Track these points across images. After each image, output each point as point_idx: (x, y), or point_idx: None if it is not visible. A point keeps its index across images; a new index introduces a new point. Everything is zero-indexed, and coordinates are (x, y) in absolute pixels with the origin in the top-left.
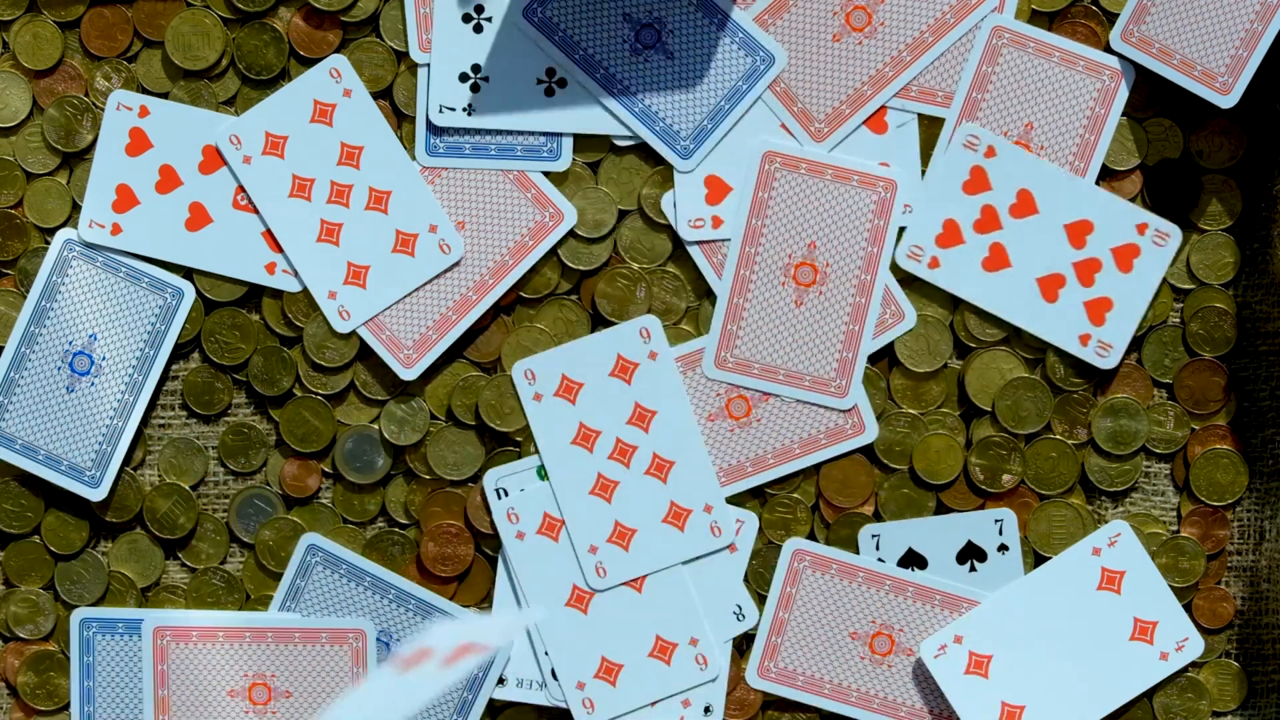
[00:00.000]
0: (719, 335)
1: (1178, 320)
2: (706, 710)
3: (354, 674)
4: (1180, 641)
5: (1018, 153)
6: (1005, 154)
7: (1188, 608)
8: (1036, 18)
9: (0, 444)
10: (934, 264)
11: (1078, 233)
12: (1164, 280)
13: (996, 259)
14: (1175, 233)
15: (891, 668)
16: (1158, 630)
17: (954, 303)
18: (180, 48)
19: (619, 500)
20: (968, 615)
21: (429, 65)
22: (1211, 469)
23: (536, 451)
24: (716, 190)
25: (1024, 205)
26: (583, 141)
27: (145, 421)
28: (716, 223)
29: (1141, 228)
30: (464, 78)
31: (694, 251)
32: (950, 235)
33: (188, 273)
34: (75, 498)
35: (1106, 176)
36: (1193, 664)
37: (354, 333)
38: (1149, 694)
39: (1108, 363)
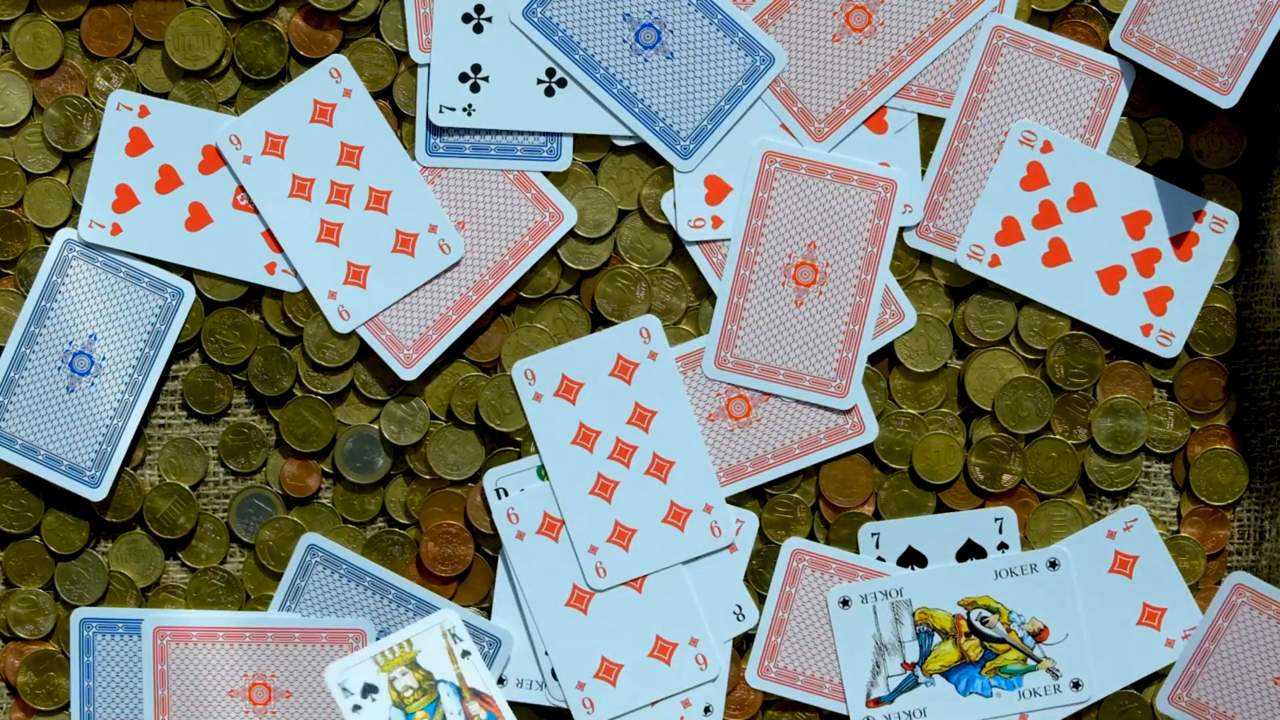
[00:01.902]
0: (719, 335)
1: None
2: (706, 710)
3: None
4: (1187, 630)
5: (1074, 146)
6: (1062, 148)
7: None
8: (1036, 18)
9: (0, 444)
10: (995, 262)
11: (1136, 223)
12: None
13: (1057, 254)
14: (1232, 218)
15: None
16: (1166, 617)
17: (954, 302)
18: (180, 48)
19: (619, 500)
20: None
21: (429, 65)
22: (1211, 469)
23: (536, 451)
24: (716, 190)
25: (1082, 199)
26: (583, 141)
27: (145, 421)
28: (716, 223)
29: (1199, 215)
30: (464, 78)
31: (694, 251)
32: (1010, 233)
33: (188, 273)
34: (75, 498)
35: None
36: None
37: (354, 333)
38: (1149, 690)
39: (1170, 351)
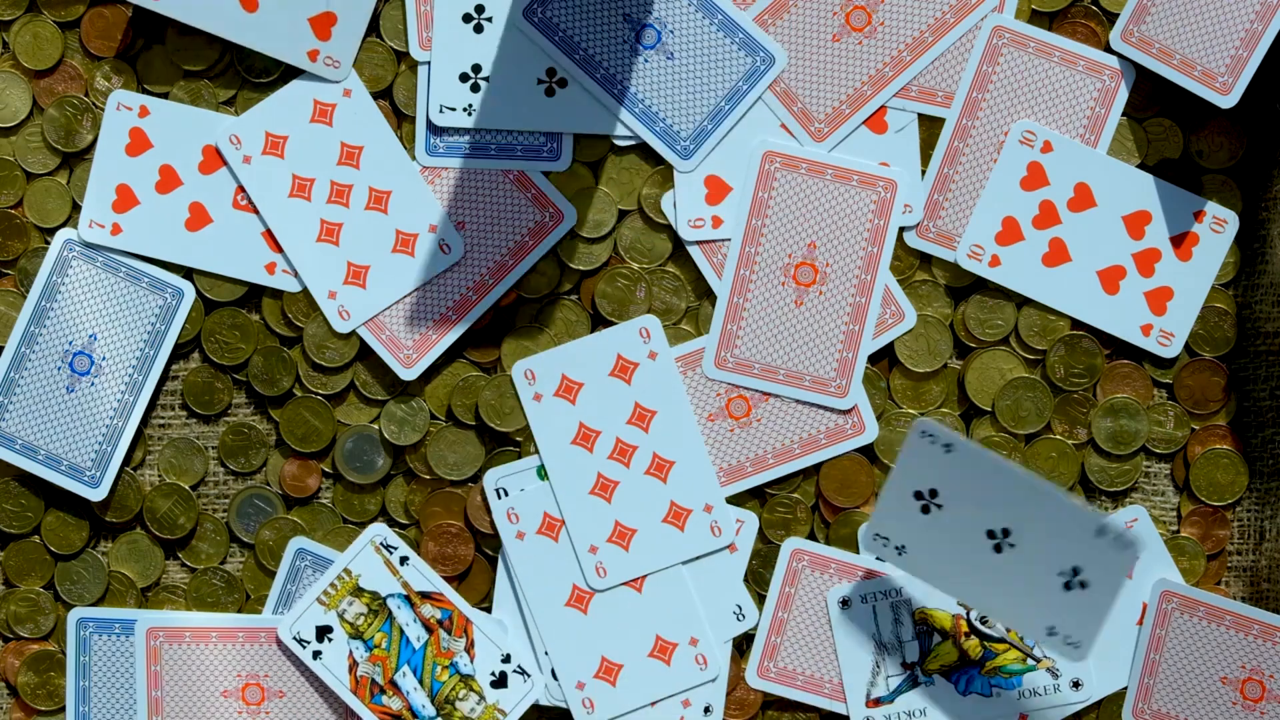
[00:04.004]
0: (719, 335)
1: None
2: (706, 710)
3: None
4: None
5: (1075, 146)
6: (1062, 148)
7: None
8: (1036, 18)
9: (0, 444)
10: (995, 262)
11: (1136, 223)
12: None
13: (1057, 254)
14: (1232, 218)
15: None
16: None
17: (954, 302)
18: (180, 48)
19: (619, 500)
20: None
21: (429, 64)
22: (1211, 469)
23: (536, 451)
24: (716, 190)
25: (1082, 199)
26: (583, 141)
27: (145, 421)
28: (716, 223)
29: (1199, 215)
30: (464, 78)
31: (694, 251)
32: (1010, 233)
33: (188, 273)
34: (75, 498)
35: None
36: None
37: (354, 333)
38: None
39: (1170, 351)
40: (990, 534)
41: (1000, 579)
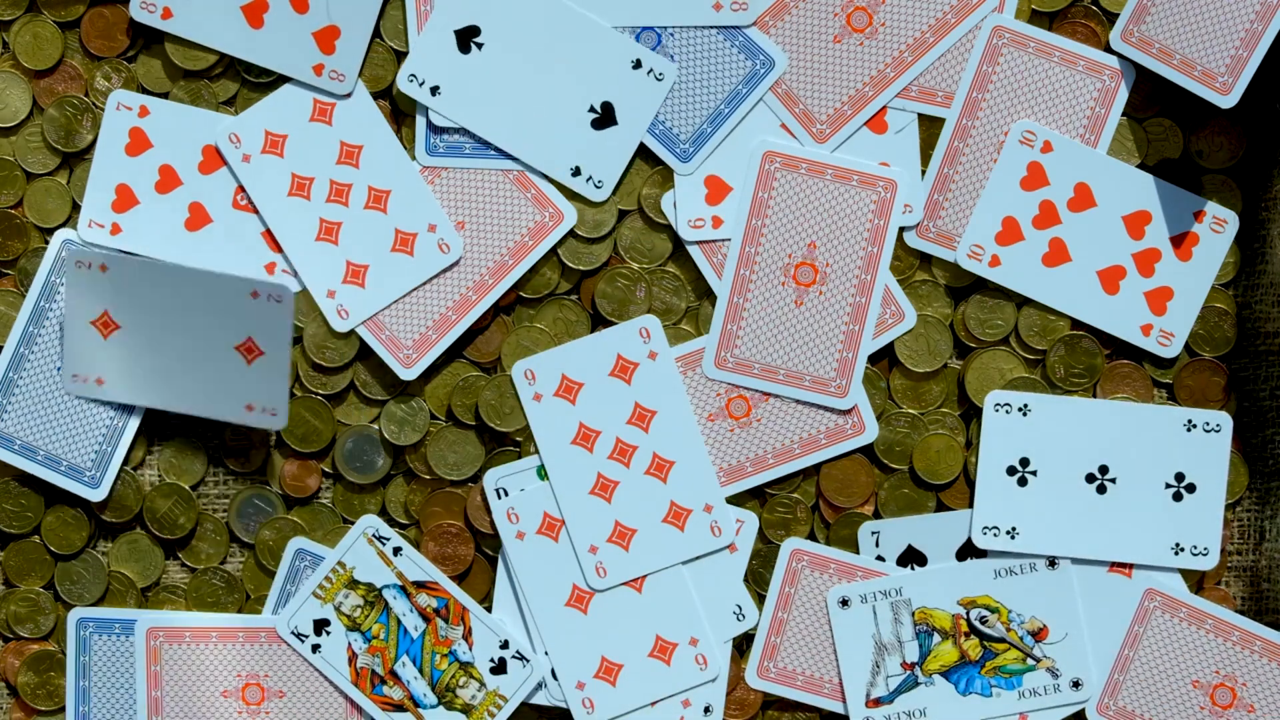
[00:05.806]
0: (719, 335)
1: None
2: (706, 710)
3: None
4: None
5: (1075, 146)
6: (1062, 148)
7: None
8: (1036, 18)
9: (0, 444)
10: (995, 262)
11: (1136, 223)
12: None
13: (1057, 254)
14: (1232, 218)
15: None
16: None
17: (954, 302)
18: (180, 48)
19: (619, 500)
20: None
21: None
22: None
23: (536, 451)
24: (716, 190)
25: (1082, 199)
26: None
27: (145, 421)
28: (716, 223)
29: (1199, 215)
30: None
31: (694, 251)
32: (1010, 233)
33: None
34: (75, 498)
35: None
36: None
37: (354, 332)
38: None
39: (1170, 351)
40: (1090, 478)
41: (1113, 519)
